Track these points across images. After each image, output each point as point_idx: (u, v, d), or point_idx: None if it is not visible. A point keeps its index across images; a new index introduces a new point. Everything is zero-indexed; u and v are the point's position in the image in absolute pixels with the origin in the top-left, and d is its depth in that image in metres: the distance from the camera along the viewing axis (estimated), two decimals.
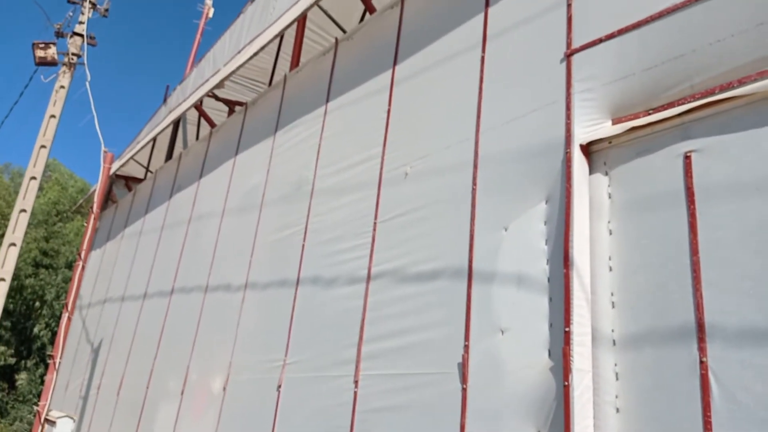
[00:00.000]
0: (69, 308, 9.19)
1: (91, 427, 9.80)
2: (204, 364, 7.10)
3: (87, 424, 10.02)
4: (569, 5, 3.98)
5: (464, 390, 3.73)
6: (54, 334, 20.49)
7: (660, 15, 3.43)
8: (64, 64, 10.09)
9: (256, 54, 8.37)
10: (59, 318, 20.55)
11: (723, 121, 3.09)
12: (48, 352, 19.33)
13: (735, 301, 2.79)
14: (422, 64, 5.24)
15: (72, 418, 9.35)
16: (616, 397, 3.11)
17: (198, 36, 14.46)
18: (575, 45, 3.87)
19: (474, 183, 4.23)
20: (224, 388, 6.39)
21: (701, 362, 2.81)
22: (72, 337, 12.23)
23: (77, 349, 12.13)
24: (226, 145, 8.82)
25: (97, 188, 9.74)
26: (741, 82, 3.00)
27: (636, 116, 3.47)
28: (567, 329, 3.24)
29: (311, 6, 7.03)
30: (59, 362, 9.01)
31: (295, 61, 7.93)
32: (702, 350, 2.83)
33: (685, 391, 2.84)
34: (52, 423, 9.18)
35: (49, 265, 24.59)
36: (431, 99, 5.01)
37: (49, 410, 9.17)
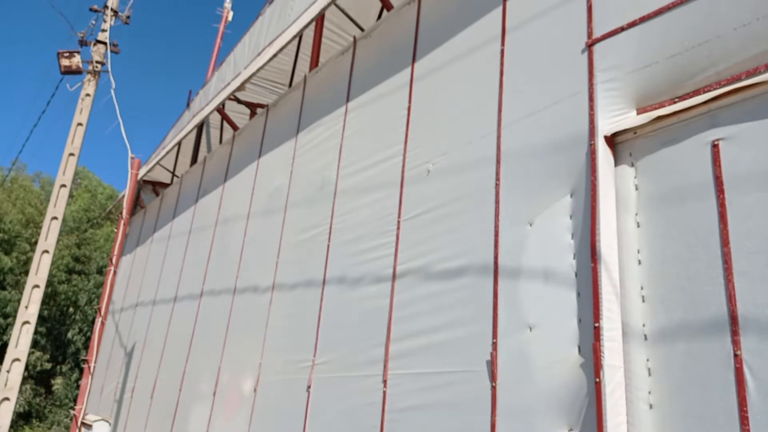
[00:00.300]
0: (102, 313, 9.37)
1: (127, 430, 9.99)
2: (235, 366, 7.18)
3: (122, 426, 10.23)
4: None
5: (494, 388, 3.70)
6: (87, 338, 20.95)
7: (682, 1, 3.35)
8: (88, 72, 10.27)
9: (275, 56, 8.41)
10: (92, 323, 20.99)
11: (750, 108, 3.00)
12: (82, 357, 19.77)
13: None
14: (441, 60, 5.21)
15: (108, 421, 9.56)
16: (649, 392, 3.06)
17: (218, 39, 14.58)
18: (596, 34, 3.80)
19: (497, 178, 4.20)
20: (255, 389, 6.45)
21: (735, 355, 2.75)
22: (105, 342, 12.48)
23: (111, 353, 12.38)
24: (249, 148, 8.89)
25: (126, 194, 9.90)
26: None
27: (661, 105, 3.40)
28: (596, 324, 3.20)
29: (329, 5, 7.03)
30: (94, 366, 9.21)
31: (314, 61, 7.95)
32: (736, 343, 2.76)
33: (719, 385, 2.78)
34: (89, 426, 9.40)
35: (81, 271, 25.10)
36: (452, 94, 4.98)
37: (85, 414, 9.38)
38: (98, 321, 9.49)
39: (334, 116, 6.65)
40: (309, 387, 5.54)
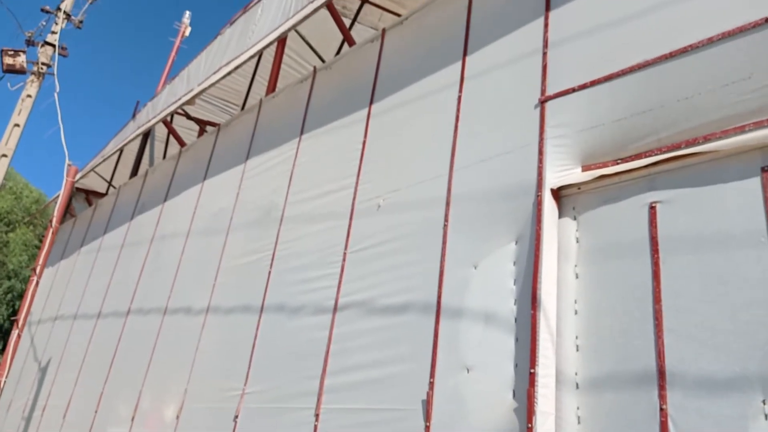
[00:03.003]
0: (20, 325, 8.84)
1: None
2: (158, 390, 6.88)
3: None
4: (545, 54, 4.12)
5: (427, 428, 3.71)
6: None
7: (631, 69, 3.58)
8: (32, 73, 9.90)
9: (230, 73, 8.38)
10: (0, 330, 19.71)
11: (688, 175, 3.21)
12: None
13: (695, 350, 2.87)
14: (399, 99, 5.32)
15: None
16: None
17: (173, 54, 14.36)
18: (549, 92, 3.99)
19: (446, 219, 4.28)
20: (177, 417, 6.20)
21: (661, 409, 2.87)
22: (18, 354, 11.72)
23: (23, 366, 11.63)
24: (195, 165, 8.72)
25: (58, 201, 9.48)
26: (706, 139, 3.14)
27: (605, 165, 3.59)
28: (532, 370, 3.28)
29: (290, 29, 7.09)
30: (5, 381, 8.63)
31: (272, 86, 7.95)
32: (662, 397, 2.89)
33: None
34: None
35: None
36: (407, 133, 5.08)
37: None
38: (14, 333, 8.92)
39: (288, 142, 6.64)
40: (236, 417, 5.37)
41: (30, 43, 10.18)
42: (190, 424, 6.00)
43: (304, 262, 5.50)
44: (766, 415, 2.60)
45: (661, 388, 2.91)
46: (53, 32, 10.39)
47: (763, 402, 2.62)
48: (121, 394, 7.56)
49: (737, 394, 2.70)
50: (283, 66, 8.70)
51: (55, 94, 9.72)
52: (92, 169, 13.06)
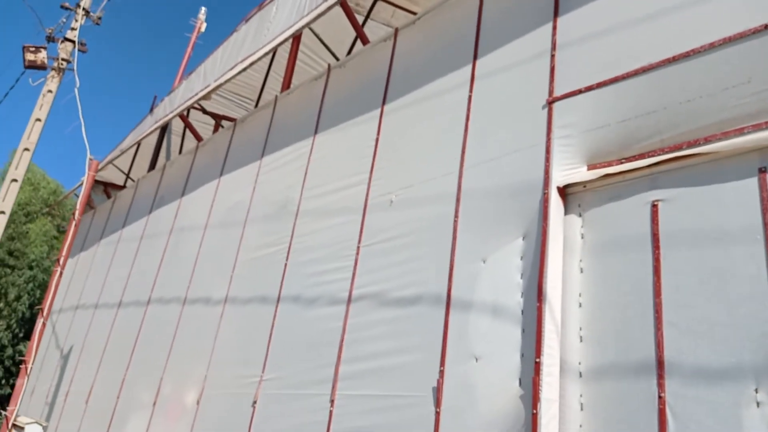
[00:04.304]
0: (44, 314, 9.15)
1: None
2: (178, 377, 7.14)
3: (53, 431, 9.90)
4: (552, 56, 4.26)
5: (437, 413, 3.90)
6: (15, 335, 20.13)
7: (636, 72, 3.71)
8: (53, 69, 10.14)
9: (245, 69, 8.56)
10: (21, 319, 20.20)
11: (688, 175, 3.35)
12: (7, 354, 18.95)
13: (692, 342, 3.03)
14: (411, 98, 5.47)
15: (41, 424, 9.26)
16: (581, 426, 3.32)
17: (189, 49, 14.57)
18: (557, 93, 4.13)
19: (456, 215, 4.45)
20: (198, 402, 6.45)
21: (659, 397, 3.04)
22: (41, 342, 12.08)
23: (45, 354, 11.99)
24: (212, 160, 8.94)
25: (81, 194, 9.76)
26: (707, 140, 3.28)
27: (609, 164, 3.73)
28: (537, 360, 3.45)
29: (304, 27, 7.26)
30: (30, 368, 8.96)
31: (287, 83, 8.13)
32: (661, 386, 3.05)
33: (644, 423, 3.05)
34: (20, 429, 9.08)
35: (13, 266, 24.09)
36: (419, 131, 5.24)
37: (17, 416, 9.08)
38: (39, 322, 9.24)
39: (303, 139, 6.82)
40: (255, 402, 5.60)
41: (50, 39, 10.42)
42: (211, 410, 6.25)
43: (318, 255, 5.70)
44: (758, 403, 2.76)
45: (660, 377, 3.07)
46: (73, 28, 10.63)
47: (756, 390, 2.78)
48: (143, 381, 7.83)
49: (731, 383, 2.85)
50: (297, 62, 8.87)
51: (75, 90, 9.98)
52: (111, 162, 13.33)
